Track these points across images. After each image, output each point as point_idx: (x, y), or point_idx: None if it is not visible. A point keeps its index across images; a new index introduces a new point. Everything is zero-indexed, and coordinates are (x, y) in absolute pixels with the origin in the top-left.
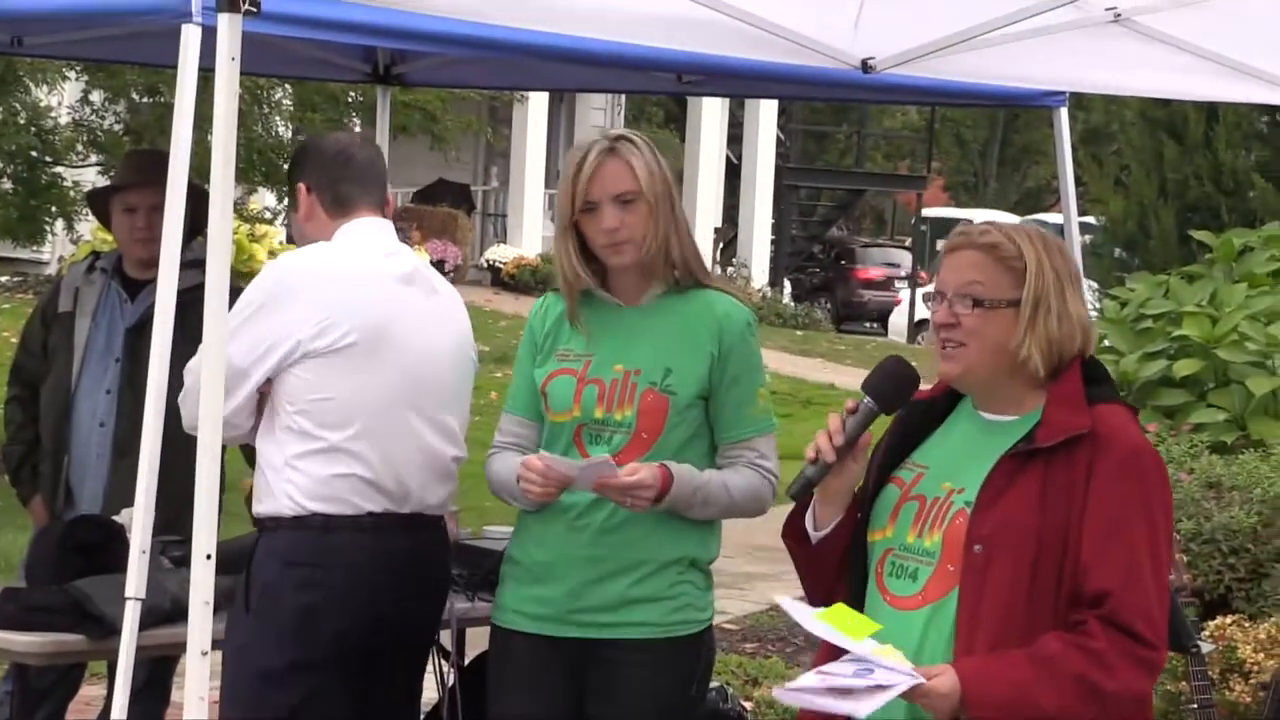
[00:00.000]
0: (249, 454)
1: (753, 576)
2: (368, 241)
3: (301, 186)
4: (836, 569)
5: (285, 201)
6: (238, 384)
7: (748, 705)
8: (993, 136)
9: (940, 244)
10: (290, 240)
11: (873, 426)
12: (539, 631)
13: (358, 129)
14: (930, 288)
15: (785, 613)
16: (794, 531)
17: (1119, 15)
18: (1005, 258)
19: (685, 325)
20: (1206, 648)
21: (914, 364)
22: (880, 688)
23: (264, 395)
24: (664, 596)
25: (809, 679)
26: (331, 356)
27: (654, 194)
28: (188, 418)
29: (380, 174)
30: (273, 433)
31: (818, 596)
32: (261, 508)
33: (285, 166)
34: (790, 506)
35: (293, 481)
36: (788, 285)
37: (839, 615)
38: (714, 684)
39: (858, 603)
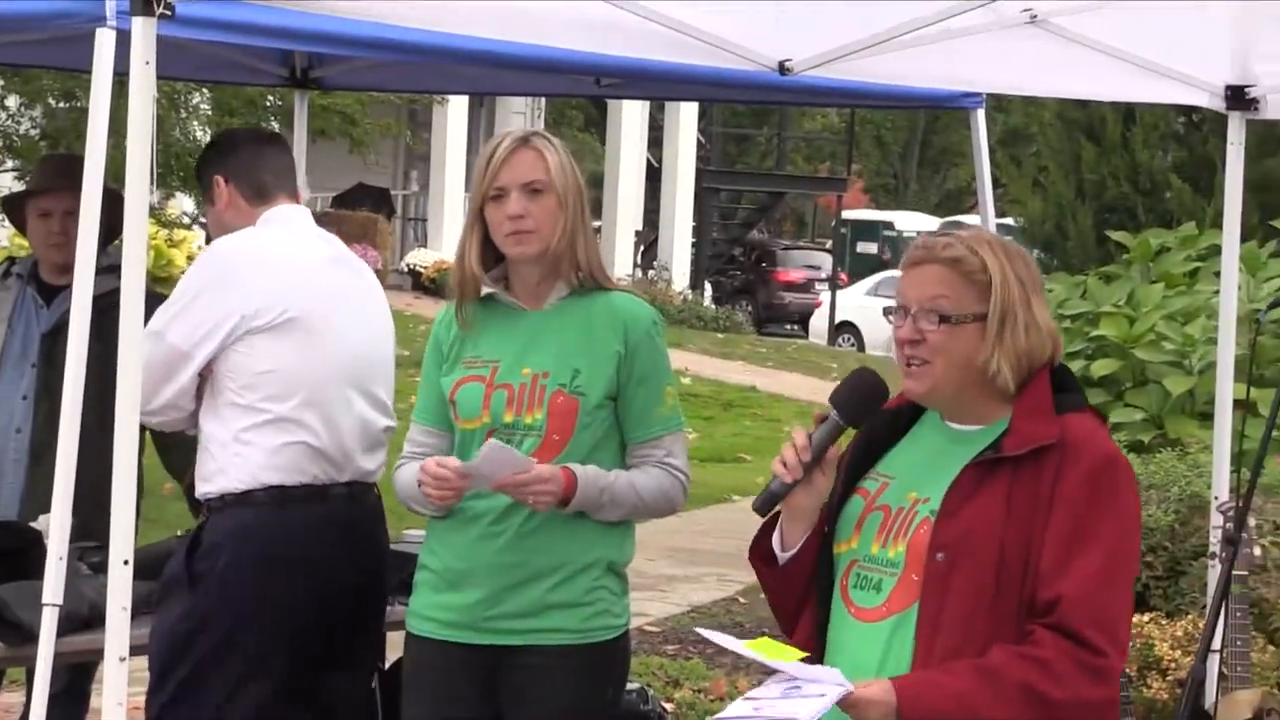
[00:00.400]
0: (168, 461)
1: (674, 579)
2: (296, 225)
3: (219, 178)
4: (805, 586)
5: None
6: (181, 366)
7: (669, 706)
8: (912, 138)
9: (860, 246)
10: (209, 242)
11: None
12: (453, 639)
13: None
14: (865, 284)
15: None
16: (760, 553)
17: (1035, 16)
18: (969, 271)
19: (591, 326)
20: None
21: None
22: (812, 696)
23: (204, 377)
24: (581, 602)
25: (740, 706)
26: (273, 332)
27: (563, 188)
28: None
29: (291, 164)
30: (216, 411)
31: (787, 614)
32: (209, 487)
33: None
34: (750, 519)
35: (242, 455)
36: (708, 288)
37: (766, 645)
38: (635, 685)
39: (824, 615)
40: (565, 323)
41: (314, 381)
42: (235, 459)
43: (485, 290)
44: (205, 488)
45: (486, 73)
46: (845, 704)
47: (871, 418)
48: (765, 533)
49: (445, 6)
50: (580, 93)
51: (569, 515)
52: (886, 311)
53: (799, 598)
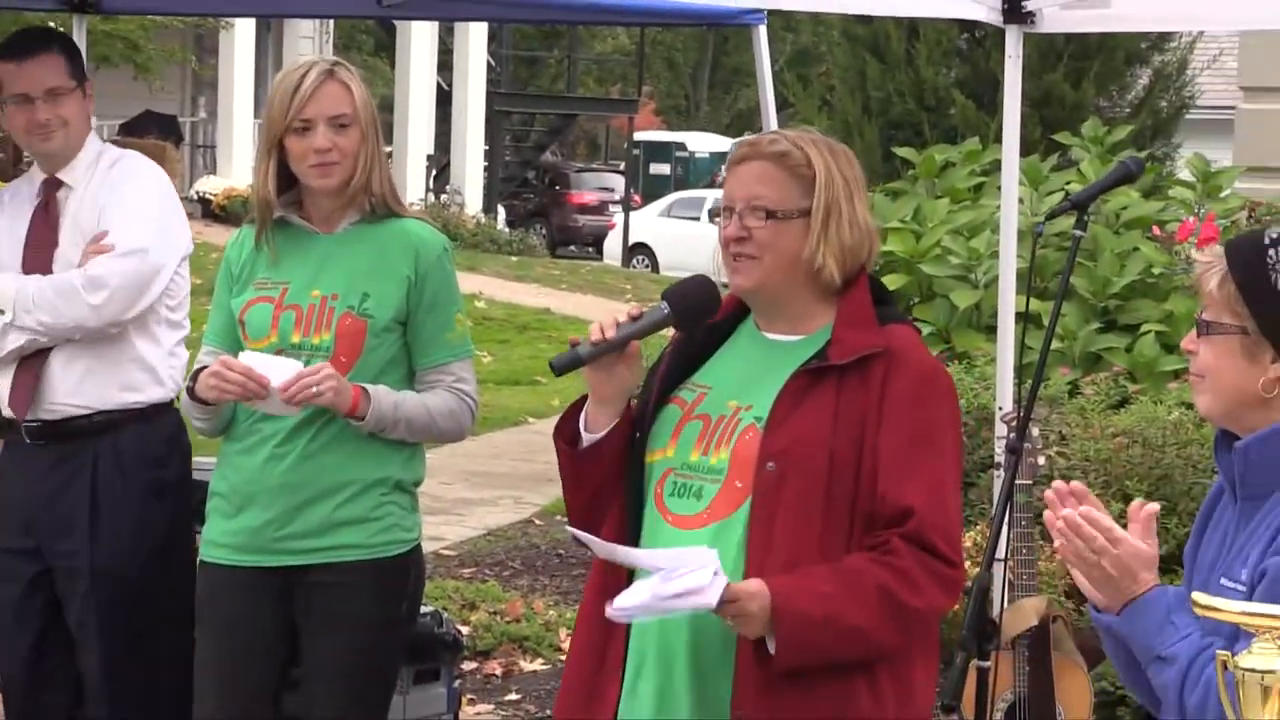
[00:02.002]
0: None
1: (470, 502)
2: None
3: (90, 84)
4: (602, 483)
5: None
6: (156, 281)
7: (464, 629)
8: (703, 59)
9: (654, 167)
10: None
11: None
12: (245, 563)
13: None
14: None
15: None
16: (565, 432)
17: None
18: (794, 166)
19: (382, 251)
20: None
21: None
22: (698, 569)
23: None
24: (369, 518)
25: (624, 599)
26: (189, 256)
27: (366, 121)
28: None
29: None
30: (146, 327)
31: (578, 508)
32: (134, 396)
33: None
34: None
35: (175, 366)
36: (502, 211)
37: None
38: (430, 608)
39: (634, 525)
40: (356, 247)
41: None
42: (172, 370)
43: (278, 214)
44: (126, 397)
45: None
46: (722, 606)
47: (697, 320)
48: (572, 414)
49: None
50: (364, 13)
51: (358, 435)
52: (713, 214)
53: (592, 493)
